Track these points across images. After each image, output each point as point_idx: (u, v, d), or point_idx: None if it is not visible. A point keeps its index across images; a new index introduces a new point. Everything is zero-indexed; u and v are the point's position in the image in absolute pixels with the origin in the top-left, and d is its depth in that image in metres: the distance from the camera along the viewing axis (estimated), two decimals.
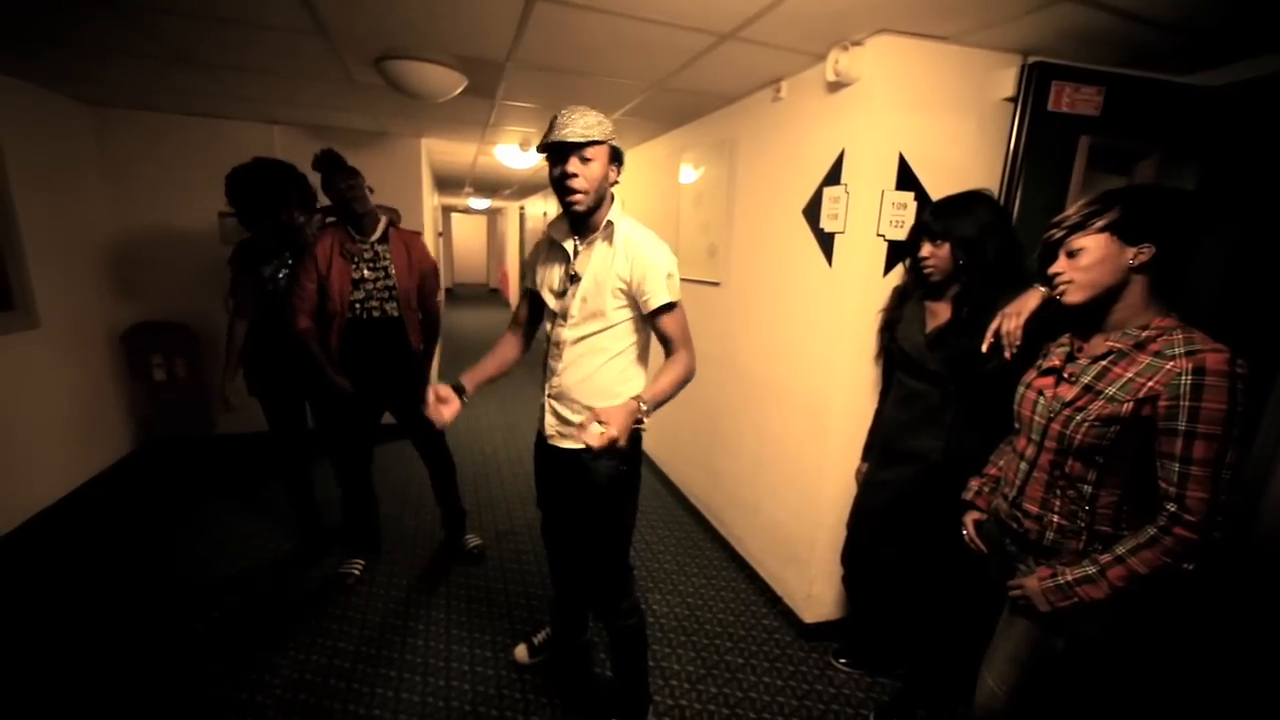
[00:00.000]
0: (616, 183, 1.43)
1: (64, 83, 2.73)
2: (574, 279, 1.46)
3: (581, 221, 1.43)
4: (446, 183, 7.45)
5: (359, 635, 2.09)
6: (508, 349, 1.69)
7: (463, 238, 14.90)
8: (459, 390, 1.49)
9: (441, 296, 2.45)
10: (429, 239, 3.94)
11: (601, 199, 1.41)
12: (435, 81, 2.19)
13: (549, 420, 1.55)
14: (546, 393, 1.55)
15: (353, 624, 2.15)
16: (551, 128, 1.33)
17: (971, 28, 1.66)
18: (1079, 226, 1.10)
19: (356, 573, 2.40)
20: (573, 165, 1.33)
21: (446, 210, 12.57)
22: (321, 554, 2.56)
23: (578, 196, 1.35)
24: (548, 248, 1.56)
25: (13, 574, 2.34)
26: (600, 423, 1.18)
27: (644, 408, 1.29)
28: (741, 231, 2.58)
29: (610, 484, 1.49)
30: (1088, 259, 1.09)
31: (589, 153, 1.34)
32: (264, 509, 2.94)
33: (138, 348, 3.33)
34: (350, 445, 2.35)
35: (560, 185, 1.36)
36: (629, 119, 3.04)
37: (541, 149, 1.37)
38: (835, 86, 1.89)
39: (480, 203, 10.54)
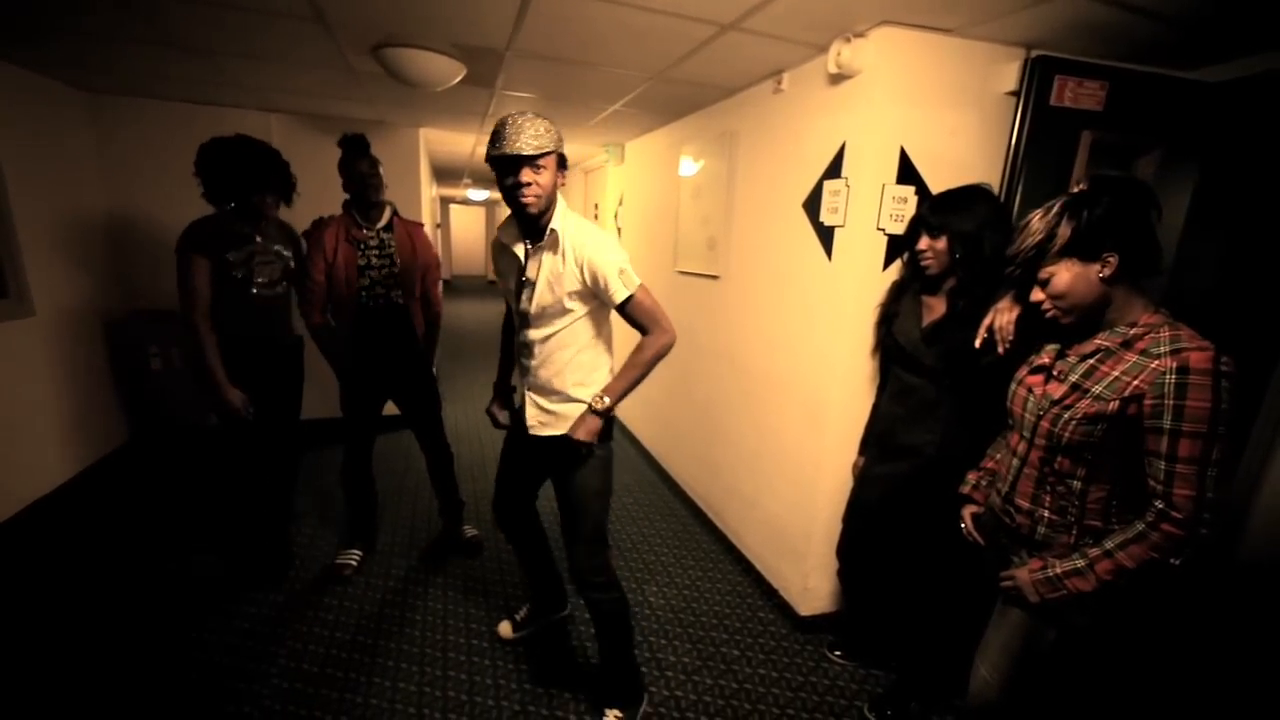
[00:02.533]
0: (563, 185, 1.49)
1: (58, 68, 2.70)
2: (527, 284, 1.52)
3: (532, 225, 1.47)
4: (445, 173, 7.42)
5: (356, 625, 2.10)
6: (513, 344, 1.75)
7: (461, 229, 14.84)
8: (507, 398, 1.82)
9: (440, 289, 2.44)
10: (427, 230, 3.93)
11: (551, 202, 1.46)
12: (434, 70, 2.18)
13: (530, 412, 1.62)
14: (525, 387, 1.64)
15: (350, 614, 2.16)
16: (500, 138, 1.36)
17: (975, 20, 1.64)
18: (1036, 260, 1.10)
19: (354, 564, 2.40)
20: (526, 175, 1.38)
21: (445, 201, 12.51)
22: (279, 577, 2.33)
23: (530, 201, 1.41)
24: (500, 251, 1.61)
25: (8, 564, 2.34)
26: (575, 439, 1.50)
27: (597, 401, 1.51)
28: (741, 225, 2.57)
29: (589, 458, 1.57)
30: (1059, 286, 1.10)
31: (541, 161, 1.39)
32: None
33: (134, 337, 3.31)
34: (353, 435, 2.34)
35: (512, 194, 1.41)
36: (629, 110, 3.02)
37: (491, 161, 1.40)
38: (837, 79, 1.88)
39: (479, 194, 10.49)
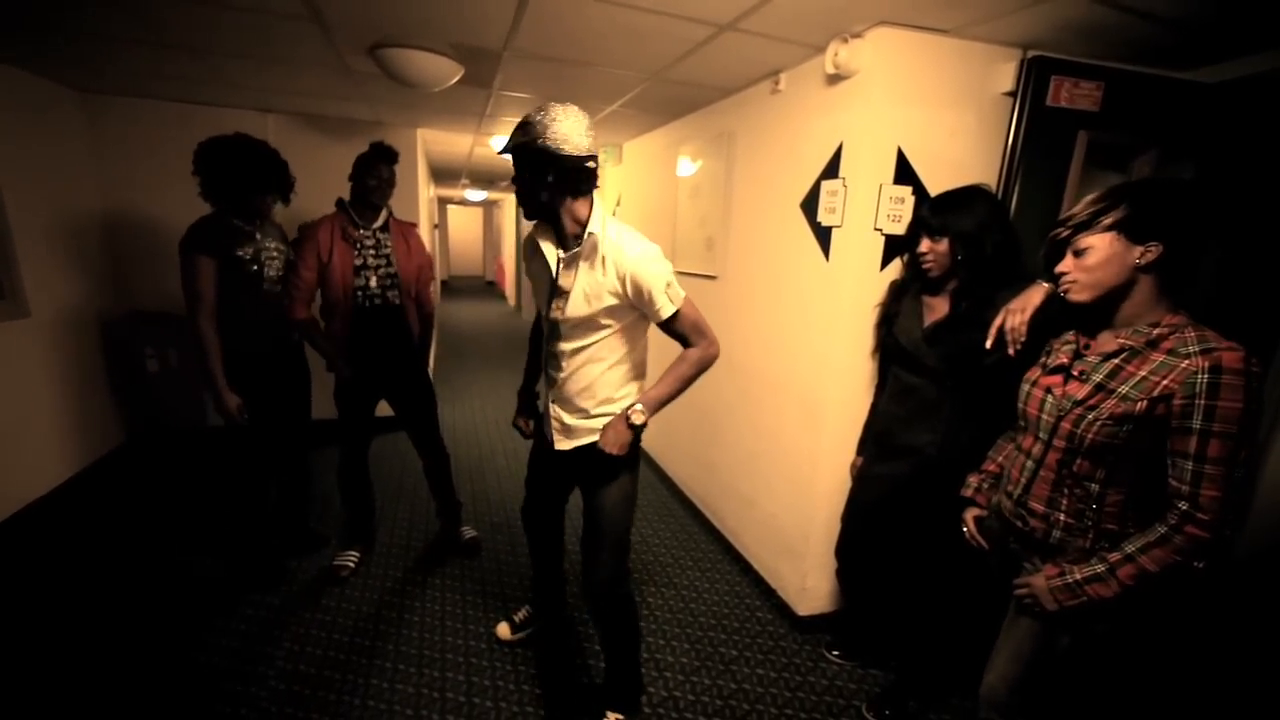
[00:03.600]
0: (599, 186, 1.38)
1: (52, 68, 2.69)
2: (560, 293, 1.41)
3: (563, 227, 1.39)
4: (442, 174, 7.40)
5: (353, 627, 2.09)
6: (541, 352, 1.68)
7: (458, 230, 14.82)
8: (535, 399, 1.67)
9: (436, 289, 2.44)
10: (425, 231, 3.93)
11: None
12: (431, 70, 2.17)
13: (553, 425, 1.55)
14: (550, 399, 1.55)
15: (347, 615, 2.15)
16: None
17: (972, 20, 1.65)
18: (1086, 225, 1.08)
19: (351, 565, 2.39)
20: None
21: (442, 202, 12.48)
22: (277, 579, 2.32)
23: None
24: (532, 252, 1.50)
25: (4, 566, 2.33)
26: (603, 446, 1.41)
27: (634, 414, 1.40)
28: (739, 225, 2.57)
29: (614, 466, 1.50)
30: (1094, 258, 1.07)
31: None
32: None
33: (130, 338, 3.30)
34: (350, 435, 2.33)
35: None
36: (627, 111, 3.02)
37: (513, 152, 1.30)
38: (834, 79, 1.88)
39: (476, 194, 10.46)
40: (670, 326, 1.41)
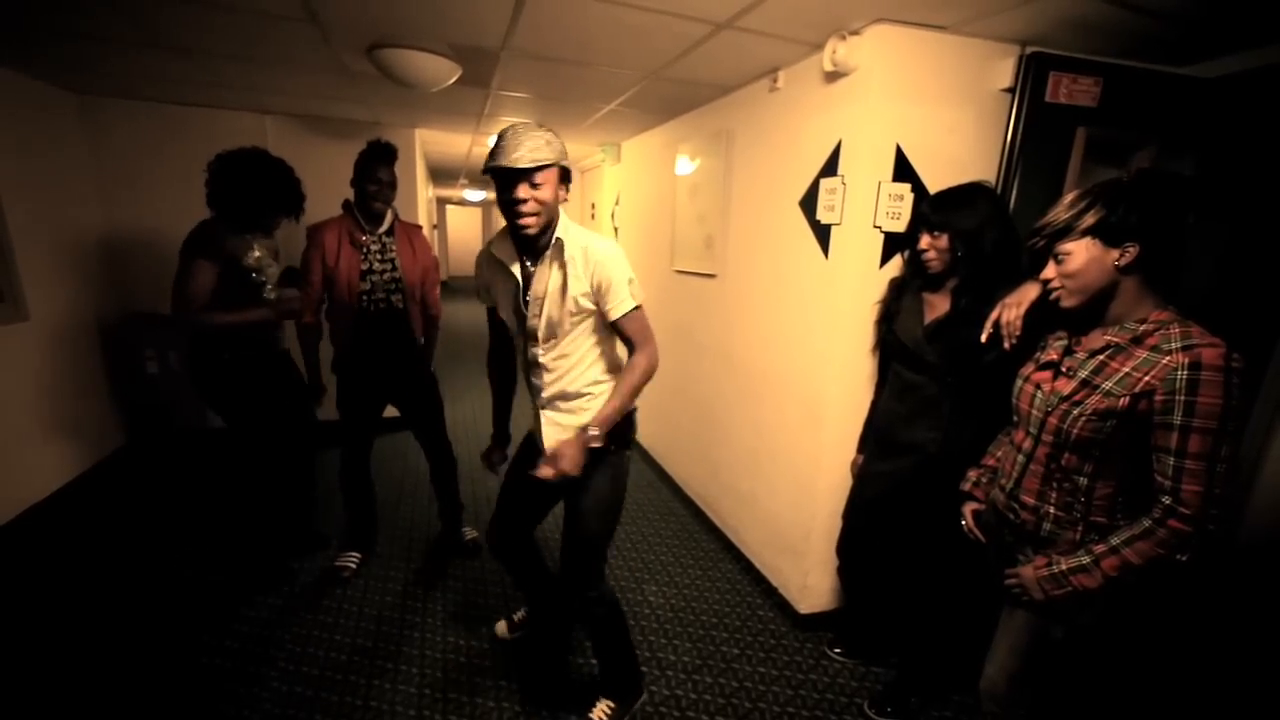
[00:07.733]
0: (565, 201, 1.41)
1: (50, 70, 2.69)
2: (532, 302, 1.45)
3: (530, 243, 1.40)
4: (441, 174, 7.41)
5: (355, 628, 2.09)
6: (506, 379, 1.80)
7: (457, 230, 14.81)
8: (505, 443, 1.82)
9: (438, 291, 2.45)
10: (424, 232, 3.92)
11: (552, 219, 1.38)
12: (429, 71, 2.17)
13: (547, 431, 1.56)
14: (537, 405, 1.59)
15: (349, 616, 2.15)
16: (498, 150, 1.29)
17: (970, 17, 1.65)
18: (1062, 233, 1.10)
19: (353, 566, 2.40)
20: (522, 191, 1.30)
21: (441, 202, 12.48)
22: (280, 579, 2.33)
23: (528, 221, 1.33)
24: (495, 267, 1.52)
25: (5, 568, 2.33)
26: (556, 458, 1.33)
27: (594, 433, 1.37)
28: (738, 223, 2.57)
29: (611, 472, 1.53)
30: (1073, 265, 1.09)
31: (539, 177, 1.30)
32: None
33: (130, 340, 3.30)
34: (352, 438, 2.34)
35: (509, 210, 1.33)
36: (625, 109, 3.02)
37: (488, 172, 1.33)
38: (832, 76, 1.88)
39: (475, 194, 10.46)
40: (622, 325, 1.42)
